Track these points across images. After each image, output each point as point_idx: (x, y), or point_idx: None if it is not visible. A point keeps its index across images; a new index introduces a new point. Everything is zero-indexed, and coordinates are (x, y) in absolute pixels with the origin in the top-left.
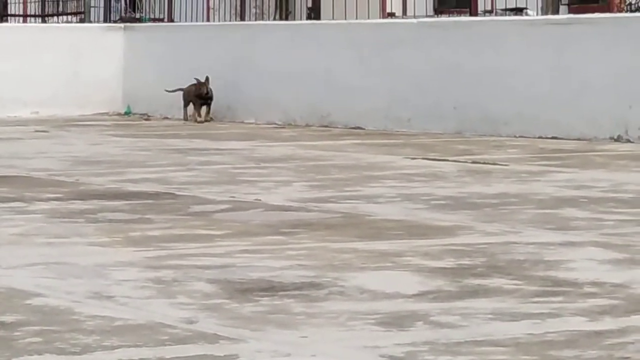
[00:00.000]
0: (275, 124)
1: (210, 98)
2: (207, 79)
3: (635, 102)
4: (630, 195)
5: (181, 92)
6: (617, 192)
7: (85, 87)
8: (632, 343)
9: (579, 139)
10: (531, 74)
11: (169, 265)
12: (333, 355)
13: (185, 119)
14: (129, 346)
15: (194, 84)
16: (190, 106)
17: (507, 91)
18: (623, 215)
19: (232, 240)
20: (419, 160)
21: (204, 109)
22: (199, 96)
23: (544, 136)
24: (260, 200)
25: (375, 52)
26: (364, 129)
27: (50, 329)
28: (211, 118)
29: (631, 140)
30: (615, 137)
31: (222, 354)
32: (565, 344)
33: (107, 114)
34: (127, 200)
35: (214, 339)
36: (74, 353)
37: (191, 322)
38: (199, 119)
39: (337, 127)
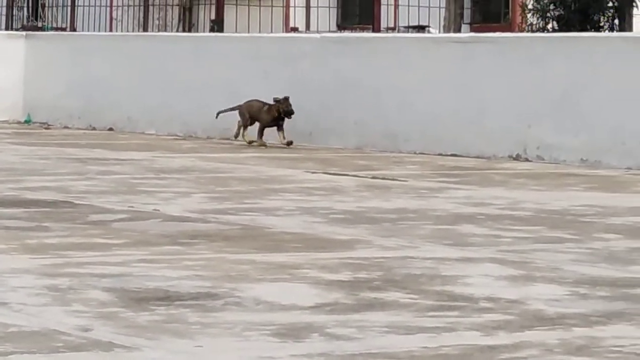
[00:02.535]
0: (176, 135)
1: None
2: (286, 99)
3: (534, 122)
4: (527, 213)
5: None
6: (515, 209)
7: None
8: (525, 358)
9: (478, 157)
10: (432, 91)
11: (65, 273)
12: None
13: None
14: (23, 352)
15: (260, 102)
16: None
17: (408, 108)
18: (520, 233)
19: (129, 249)
20: (319, 174)
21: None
22: (276, 117)
23: (444, 153)
24: (158, 210)
25: (278, 66)
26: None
27: None
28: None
29: (530, 159)
30: (514, 156)
31: None
32: (459, 357)
33: (6, 122)
34: (24, 208)
35: (108, 346)
36: None
37: (86, 330)
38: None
39: (238, 141)
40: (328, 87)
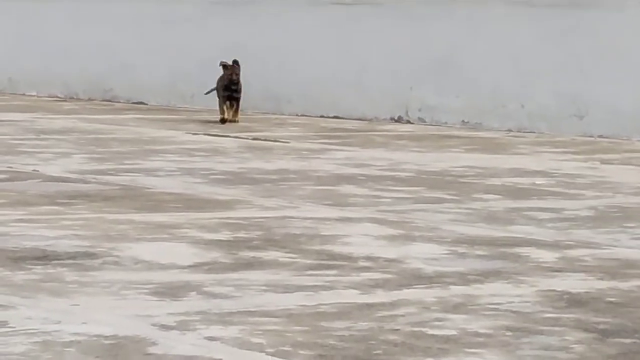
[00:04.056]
0: (57, 97)
1: (237, 90)
2: (235, 63)
3: (415, 84)
4: (408, 174)
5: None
6: (395, 170)
7: None
8: (403, 315)
9: (360, 119)
10: (314, 53)
11: None
12: (104, 322)
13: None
14: None
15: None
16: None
17: (290, 70)
18: (400, 193)
19: (7, 209)
20: (200, 135)
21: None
22: (226, 87)
23: (325, 115)
24: (38, 171)
25: (160, 28)
26: (146, 104)
27: None
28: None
29: (411, 121)
30: (396, 118)
31: None
32: (337, 315)
33: None
34: None
35: None
36: None
37: None
38: (226, 116)
39: (120, 102)
40: (209, 49)
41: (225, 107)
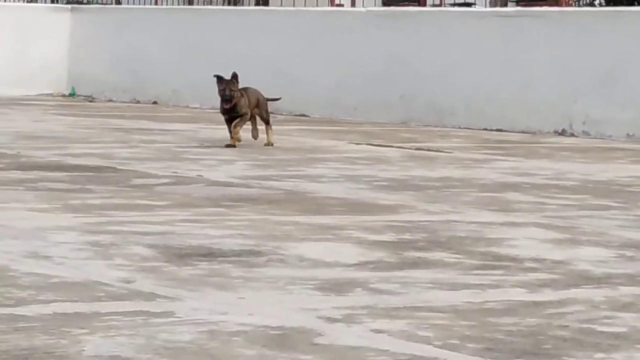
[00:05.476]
0: None
1: (235, 109)
2: (233, 77)
3: (580, 97)
4: (573, 183)
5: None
6: (560, 179)
7: (30, 68)
8: (571, 313)
9: (523, 132)
10: (478, 66)
11: (107, 231)
12: (270, 315)
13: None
14: (64, 301)
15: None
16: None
17: (453, 82)
18: (565, 201)
19: (172, 210)
20: (363, 145)
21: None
22: (223, 110)
23: (488, 128)
24: (202, 176)
25: (323, 40)
26: (308, 116)
27: None
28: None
29: (575, 134)
30: (560, 131)
31: (158, 310)
32: (504, 312)
33: (51, 94)
34: (68, 172)
35: (150, 297)
36: (8, 305)
37: (128, 282)
38: (231, 141)
39: (282, 114)
40: (373, 61)
41: (230, 129)
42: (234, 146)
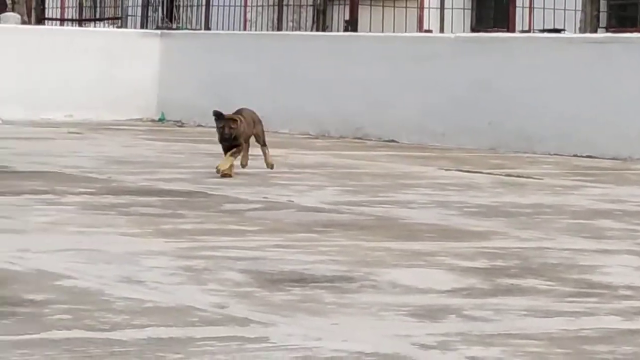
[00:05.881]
0: (309, 134)
1: (236, 141)
2: (239, 113)
3: None
4: None
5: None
6: None
7: (120, 93)
8: None
9: (614, 158)
10: (567, 92)
11: (200, 256)
12: (365, 341)
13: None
14: (159, 326)
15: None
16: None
17: (542, 109)
18: None
19: (264, 235)
20: (453, 172)
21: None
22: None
23: (578, 154)
24: (293, 201)
25: (411, 66)
26: (397, 142)
27: (79, 308)
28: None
29: None
30: None
31: (252, 336)
32: (599, 340)
33: (140, 119)
34: (159, 197)
35: (244, 322)
36: (103, 330)
37: (222, 307)
38: (221, 167)
39: (371, 140)
40: (461, 87)
41: (226, 156)
42: (230, 176)
